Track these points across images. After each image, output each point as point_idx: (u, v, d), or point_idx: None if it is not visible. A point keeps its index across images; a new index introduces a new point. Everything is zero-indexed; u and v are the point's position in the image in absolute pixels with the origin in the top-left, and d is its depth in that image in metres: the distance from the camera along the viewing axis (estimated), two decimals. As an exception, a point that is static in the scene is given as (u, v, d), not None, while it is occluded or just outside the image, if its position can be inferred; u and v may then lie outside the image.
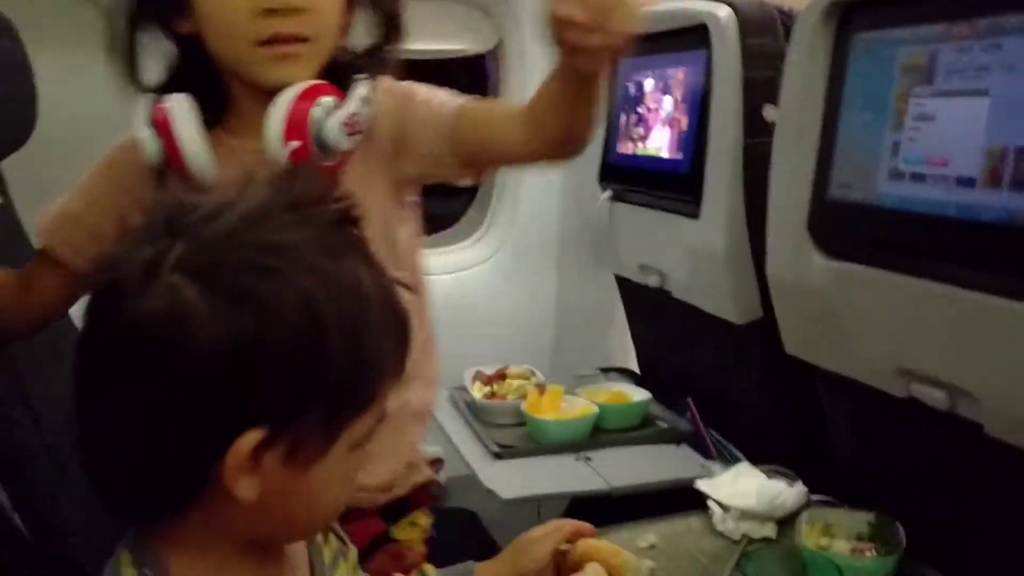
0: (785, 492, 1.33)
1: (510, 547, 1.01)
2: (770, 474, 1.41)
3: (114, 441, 0.66)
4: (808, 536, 1.21)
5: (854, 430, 1.33)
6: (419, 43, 2.15)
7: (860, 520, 1.23)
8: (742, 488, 1.35)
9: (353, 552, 0.90)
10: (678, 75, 1.61)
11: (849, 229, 1.16)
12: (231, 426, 0.63)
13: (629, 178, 1.80)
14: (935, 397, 1.07)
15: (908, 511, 1.21)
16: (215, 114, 1.00)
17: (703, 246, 1.53)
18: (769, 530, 1.30)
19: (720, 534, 1.32)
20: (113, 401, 0.64)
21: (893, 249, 1.09)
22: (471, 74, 2.33)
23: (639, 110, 1.75)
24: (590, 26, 0.83)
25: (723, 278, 1.49)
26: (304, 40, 0.98)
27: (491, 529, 1.83)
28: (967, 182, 0.97)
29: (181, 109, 0.97)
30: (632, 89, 1.78)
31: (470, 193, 2.42)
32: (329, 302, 0.63)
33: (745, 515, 1.31)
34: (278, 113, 0.96)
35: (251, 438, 0.63)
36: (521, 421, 1.73)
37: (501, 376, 1.88)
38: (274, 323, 0.62)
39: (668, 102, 1.65)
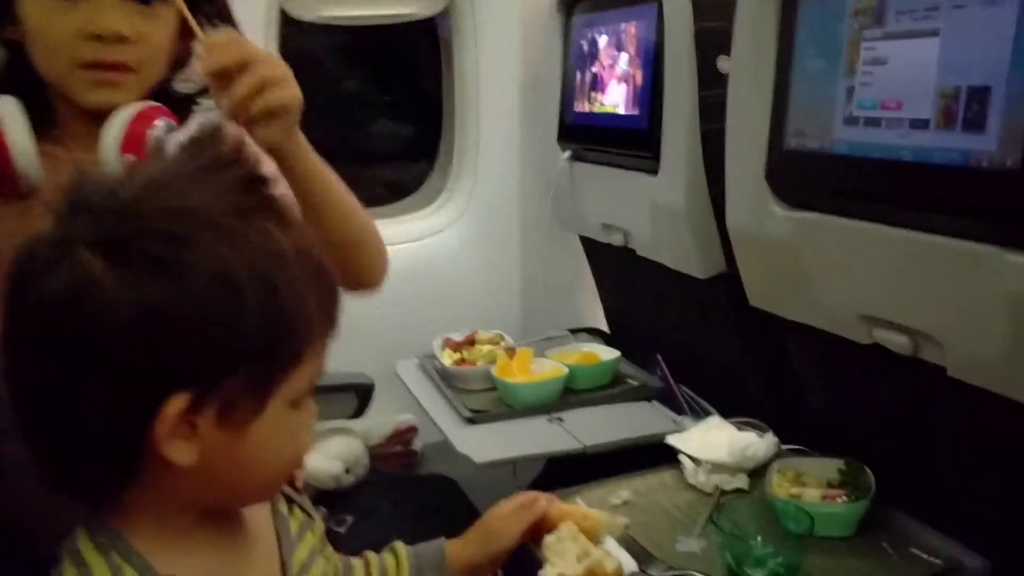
0: (756, 443, 1.34)
1: (480, 526, 1.02)
2: (740, 426, 1.42)
3: (47, 423, 0.67)
4: (779, 485, 1.22)
5: (821, 378, 1.33)
6: (368, 9, 2.12)
7: (830, 467, 1.25)
8: (713, 441, 1.36)
9: (319, 524, 0.90)
10: (630, 30, 1.59)
11: (807, 178, 1.15)
12: (155, 393, 0.63)
13: (587, 137, 1.78)
14: (898, 342, 1.07)
15: (877, 456, 1.23)
16: (40, 124, 0.96)
17: (664, 202, 1.52)
18: (741, 481, 1.31)
19: (693, 487, 1.33)
20: (39, 383, 0.65)
21: (851, 196, 1.09)
22: (423, 38, 2.29)
23: (593, 68, 1.73)
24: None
25: (685, 233, 1.48)
26: (128, 69, 0.97)
27: (469, 493, 1.83)
28: (921, 124, 0.96)
29: (11, 112, 0.93)
30: (585, 46, 1.76)
31: (431, 160, 2.40)
32: (240, 263, 0.63)
33: (717, 468, 1.32)
34: (115, 129, 0.93)
35: (177, 402, 0.63)
36: (492, 386, 1.72)
37: (470, 342, 1.88)
38: (185, 289, 0.62)
39: (622, 58, 1.63)
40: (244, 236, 0.65)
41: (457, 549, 1.00)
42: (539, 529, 1.04)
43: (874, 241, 1.06)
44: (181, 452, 0.65)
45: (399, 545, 1.01)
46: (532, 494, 1.05)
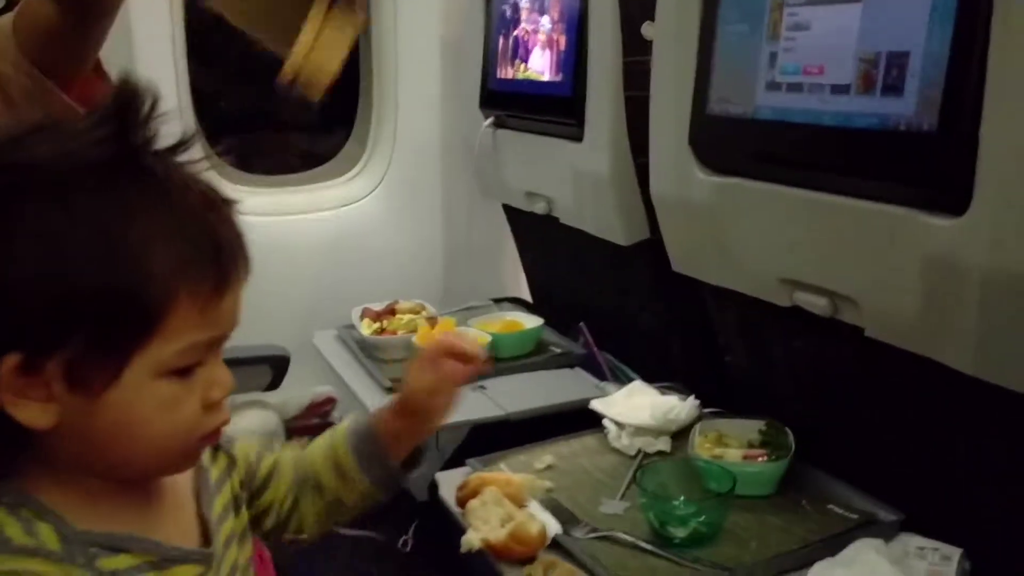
0: (678, 407, 1.35)
1: (395, 398, 0.93)
2: (663, 391, 1.44)
3: None
4: (701, 446, 1.24)
5: (742, 342, 1.36)
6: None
7: (751, 428, 1.27)
8: (636, 405, 1.38)
9: (239, 464, 0.87)
10: (554, -6, 1.58)
11: (729, 143, 1.16)
12: None
13: (511, 103, 1.77)
14: (818, 304, 1.10)
15: (796, 418, 1.26)
16: None
17: (588, 169, 1.52)
18: (663, 444, 1.33)
19: (616, 451, 1.34)
20: None
21: (772, 161, 1.10)
22: None
23: (516, 33, 1.71)
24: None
25: (609, 200, 1.48)
26: None
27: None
28: (842, 89, 0.97)
29: None
30: (508, 11, 1.74)
31: (347, 129, 2.35)
32: (67, 221, 0.61)
33: (639, 431, 1.33)
34: None
35: (8, 362, 0.61)
36: (413, 355, 1.70)
37: (391, 312, 1.85)
38: (6, 248, 0.61)
39: (545, 22, 1.61)
40: (82, 191, 0.62)
41: (382, 419, 0.92)
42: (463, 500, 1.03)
43: (795, 205, 1.08)
44: (33, 414, 0.63)
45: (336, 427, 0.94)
46: (437, 340, 0.95)
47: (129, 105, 0.64)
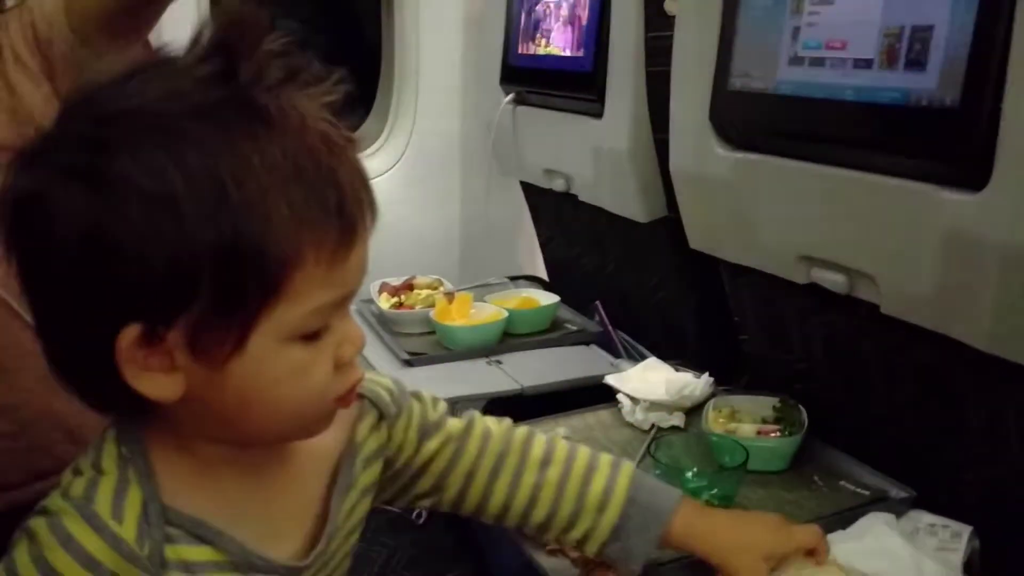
0: (693, 383, 1.36)
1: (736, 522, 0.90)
2: (678, 368, 1.45)
3: (44, 332, 0.64)
4: (715, 421, 1.25)
5: (758, 321, 1.36)
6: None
7: (764, 405, 1.28)
8: (650, 381, 1.38)
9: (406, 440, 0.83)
10: (577, -30, 1.58)
11: (750, 118, 1.16)
12: (107, 322, 0.59)
13: (531, 79, 1.77)
14: (835, 281, 1.10)
15: (810, 396, 1.26)
16: None
17: (608, 146, 1.52)
18: (677, 419, 1.33)
19: (629, 425, 1.35)
20: (29, 292, 0.63)
21: (793, 136, 1.10)
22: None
23: (538, 8, 1.71)
24: None
25: (628, 177, 1.49)
26: None
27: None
28: (864, 64, 0.97)
29: None
30: (531, -13, 1.74)
31: (367, 105, 2.35)
32: (181, 175, 0.56)
33: (654, 406, 1.34)
34: None
35: (128, 334, 0.59)
36: (430, 330, 1.72)
37: (408, 287, 1.87)
38: (113, 207, 0.56)
39: (568, -2, 1.61)
40: (193, 139, 0.56)
41: (686, 522, 0.85)
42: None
43: (815, 181, 1.08)
44: (157, 386, 0.61)
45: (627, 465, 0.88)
46: (813, 531, 0.90)
47: (233, 37, 0.59)
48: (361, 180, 0.63)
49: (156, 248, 0.56)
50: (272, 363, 0.62)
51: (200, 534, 0.66)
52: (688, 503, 0.87)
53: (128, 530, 0.63)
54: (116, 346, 0.59)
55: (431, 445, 0.85)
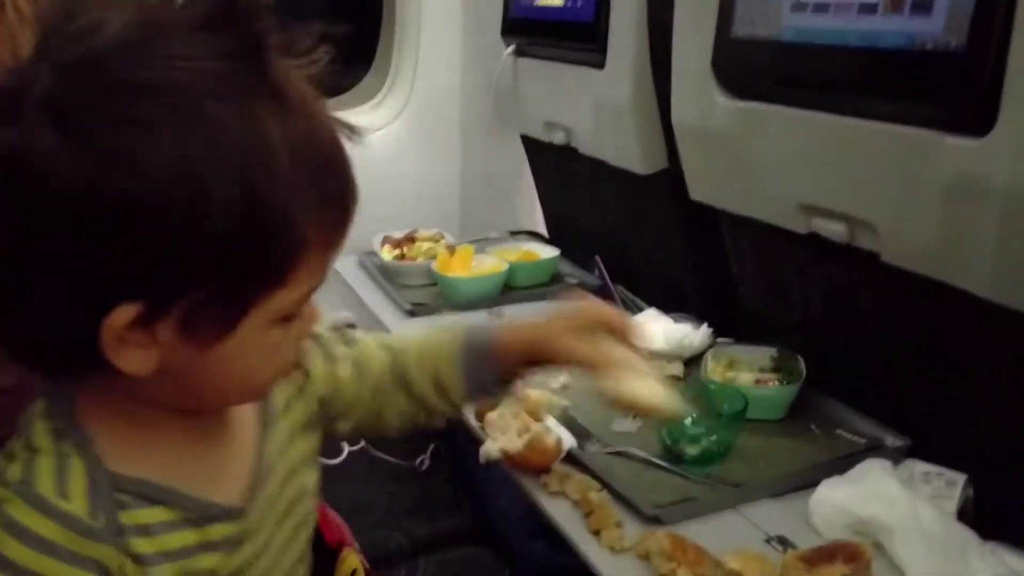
0: (691, 333, 1.37)
1: (538, 329, 0.85)
2: (677, 320, 1.45)
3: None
4: (714, 371, 1.26)
5: (757, 272, 1.37)
6: None
7: (763, 355, 1.29)
8: (649, 331, 1.39)
9: (318, 367, 0.81)
10: (580, -82, 1.56)
11: (753, 67, 1.16)
12: (100, 298, 0.55)
13: (532, 31, 1.75)
14: (835, 230, 1.10)
15: (808, 346, 1.27)
16: None
17: (609, 97, 1.52)
18: (676, 369, 1.34)
19: (630, 375, 1.35)
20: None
21: (796, 84, 1.10)
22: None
23: (541, -43, 1.70)
24: None
25: (629, 128, 1.48)
26: None
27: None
28: (869, 8, 0.97)
29: None
30: (533, -64, 1.72)
31: (367, 61, 2.33)
32: (211, 158, 0.54)
33: (653, 356, 1.34)
34: None
35: (124, 313, 0.56)
36: (432, 282, 1.72)
37: (410, 239, 1.87)
38: (138, 185, 0.53)
39: (571, -53, 1.60)
40: (222, 125, 0.54)
41: (502, 335, 0.85)
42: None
43: (817, 130, 1.08)
44: (134, 361, 0.58)
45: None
46: (606, 310, 0.87)
47: (236, 8, 0.56)
48: (351, 168, 0.62)
49: (174, 233, 0.54)
50: (254, 344, 0.61)
51: (151, 495, 0.64)
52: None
53: (78, 505, 0.61)
54: (106, 322, 0.56)
55: (342, 372, 0.83)
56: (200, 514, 0.66)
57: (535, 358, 0.84)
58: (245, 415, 0.73)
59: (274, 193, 0.55)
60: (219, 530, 0.68)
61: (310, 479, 0.79)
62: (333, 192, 0.60)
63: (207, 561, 0.67)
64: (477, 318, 1.61)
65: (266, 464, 0.73)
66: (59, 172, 0.52)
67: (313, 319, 0.67)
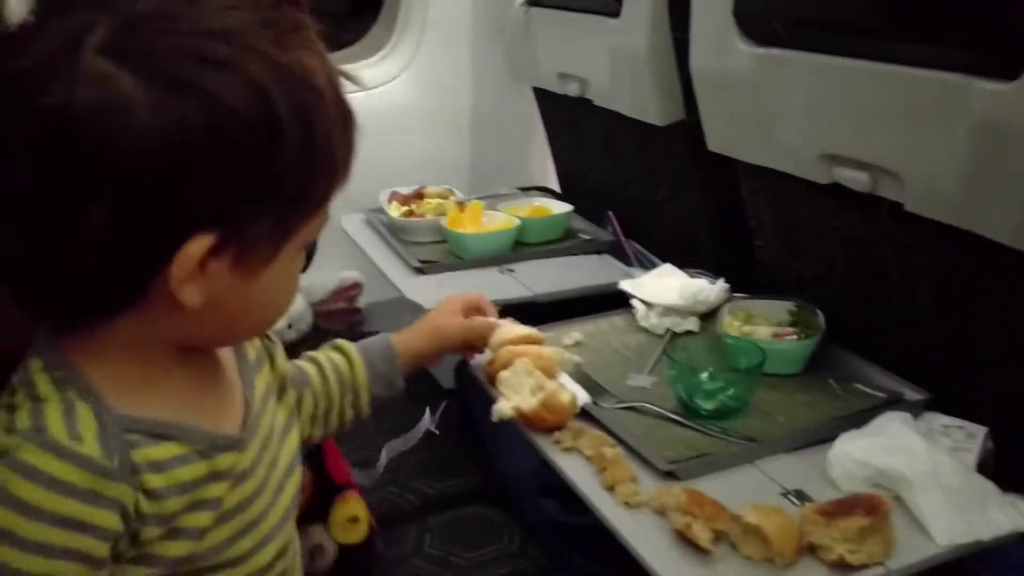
0: (707, 288, 1.35)
1: (428, 322, 1.11)
2: (692, 275, 1.43)
3: (36, 246, 0.60)
4: (730, 325, 1.24)
5: (775, 225, 1.34)
6: None
7: (780, 309, 1.27)
8: (665, 286, 1.37)
9: (278, 350, 0.88)
10: None
11: (776, 10, 1.12)
12: (178, 231, 0.59)
13: (545, -21, 1.71)
14: (858, 179, 1.07)
15: (826, 300, 1.25)
16: None
17: (625, 46, 1.48)
18: (692, 324, 1.33)
19: (643, 330, 1.34)
20: (27, 200, 0.58)
21: (820, 27, 1.07)
22: None
23: (554, -98, 1.65)
24: None
25: (646, 78, 1.45)
26: None
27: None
28: (898, -52, 0.94)
29: None
30: None
31: (374, 12, 2.29)
32: (280, 93, 0.59)
33: (668, 311, 1.33)
34: None
35: (201, 244, 0.60)
36: (441, 238, 1.70)
37: (419, 196, 1.84)
38: (225, 116, 0.57)
39: None
40: (283, 64, 0.60)
41: (405, 341, 1.05)
42: (494, 370, 1.11)
43: (840, 75, 1.05)
44: (191, 294, 0.62)
45: (342, 342, 1.01)
46: (475, 295, 1.17)
47: None
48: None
49: (254, 162, 0.59)
50: (283, 273, 0.67)
51: (159, 432, 0.67)
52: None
53: (91, 447, 0.62)
54: (181, 254, 0.59)
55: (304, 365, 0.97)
56: (208, 445, 0.69)
57: (436, 351, 1.09)
58: (228, 362, 0.78)
59: (325, 127, 0.62)
60: (225, 460, 0.71)
61: (292, 442, 0.83)
62: (352, 130, 0.66)
63: (215, 490, 0.70)
64: (488, 275, 1.60)
65: (254, 408, 0.77)
66: (146, 110, 0.56)
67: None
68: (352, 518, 1.26)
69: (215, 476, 0.70)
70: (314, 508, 1.22)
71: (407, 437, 1.48)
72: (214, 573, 0.71)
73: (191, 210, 0.59)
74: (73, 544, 0.61)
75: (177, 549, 0.68)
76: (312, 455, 1.08)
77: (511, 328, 1.15)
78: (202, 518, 0.69)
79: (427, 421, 1.47)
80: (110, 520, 0.63)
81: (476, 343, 1.15)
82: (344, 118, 0.65)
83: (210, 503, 0.69)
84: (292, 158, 0.61)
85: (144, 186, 0.57)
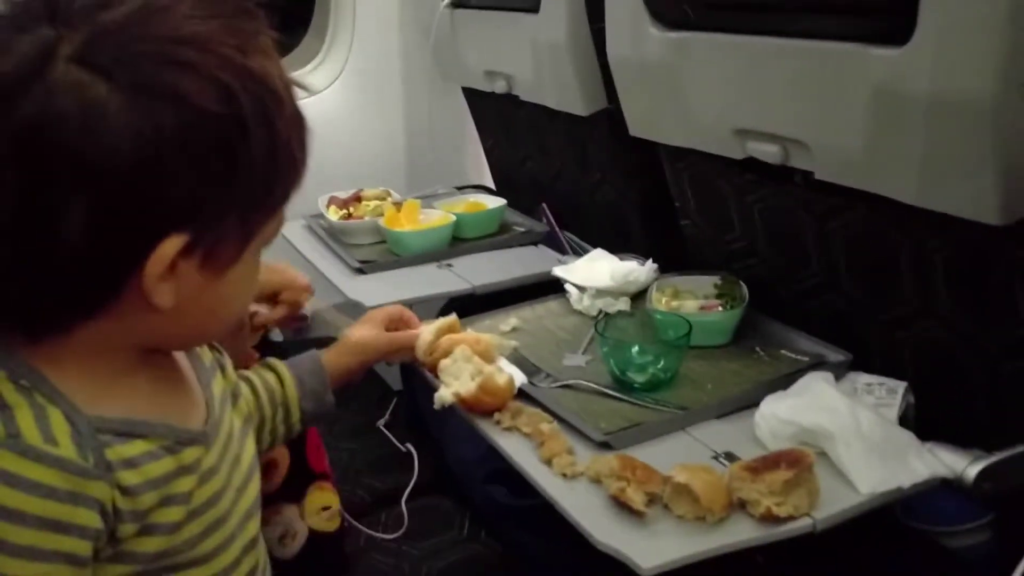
0: (637, 269, 1.39)
1: (351, 337, 1.14)
2: (623, 259, 1.47)
3: (16, 253, 0.62)
4: (659, 301, 1.27)
5: (698, 204, 1.38)
6: None
7: (706, 283, 1.31)
8: (596, 269, 1.41)
9: (227, 361, 0.90)
10: None
11: (684, -4, 1.16)
12: (152, 231, 0.61)
13: (467, -20, 1.74)
14: (770, 152, 1.12)
15: (751, 272, 1.29)
16: None
17: (545, 40, 1.52)
18: (623, 304, 1.36)
19: (578, 313, 1.37)
20: (5, 210, 0.60)
21: (723, 7, 1.11)
22: None
23: (472, -96, 1.69)
24: None
25: (567, 70, 1.48)
26: None
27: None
28: (789, -75, 0.98)
29: None
30: None
31: (304, 24, 2.30)
32: (246, 95, 0.62)
33: (600, 293, 1.36)
34: None
35: (173, 244, 0.62)
36: (380, 239, 1.72)
37: (356, 199, 1.85)
38: (196, 117, 0.60)
39: None
40: (246, 68, 0.62)
41: (332, 358, 1.09)
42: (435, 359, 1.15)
43: (745, 53, 1.09)
44: (163, 295, 0.64)
45: (274, 361, 1.04)
46: (396, 307, 1.23)
47: None
48: None
49: (224, 163, 0.62)
50: (245, 272, 0.70)
51: (129, 430, 0.68)
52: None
53: (66, 449, 0.63)
54: (155, 254, 0.61)
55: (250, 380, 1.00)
56: (174, 439, 0.71)
57: (360, 365, 1.12)
58: (186, 368, 0.79)
59: (285, 128, 0.65)
60: (191, 454, 0.73)
61: (250, 446, 0.85)
62: (305, 135, 0.69)
63: (184, 485, 0.71)
64: (427, 271, 1.62)
65: (215, 409, 0.79)
66: (121, 115, 0.58)
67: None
68: (326, 507, 1.28)
69: (183, 470, 0.71)
70: (289, 491, 1.23)
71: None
72: (185, 570, 0.72)
73: (165, 211, 0.61)
74: (57, 546, 0.62)
75: (151, 545, 0.69)
76: (293, 440, 1.10)
77: (429, 328, 1.20)
78: (173, 513, 0.70)
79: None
80: (91, 519, 0.64)
81: (399, 354, 1.19)
82: (299, 122, 0.68)
83: (180, 497, 0.71)
84: (258, 158, 0.63)
85: (120, 189, 0.59)
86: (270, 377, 1.01)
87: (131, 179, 0.59)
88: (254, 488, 0.83)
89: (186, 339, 0.75)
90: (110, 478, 0.65)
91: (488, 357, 1.20)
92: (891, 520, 1.10)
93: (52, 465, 0.62)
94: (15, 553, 0.61)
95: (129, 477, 0.66)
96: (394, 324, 1.20)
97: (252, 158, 0.63)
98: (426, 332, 1.19)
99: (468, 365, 1.16)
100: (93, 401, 0.66)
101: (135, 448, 0.68)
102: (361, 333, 1.15)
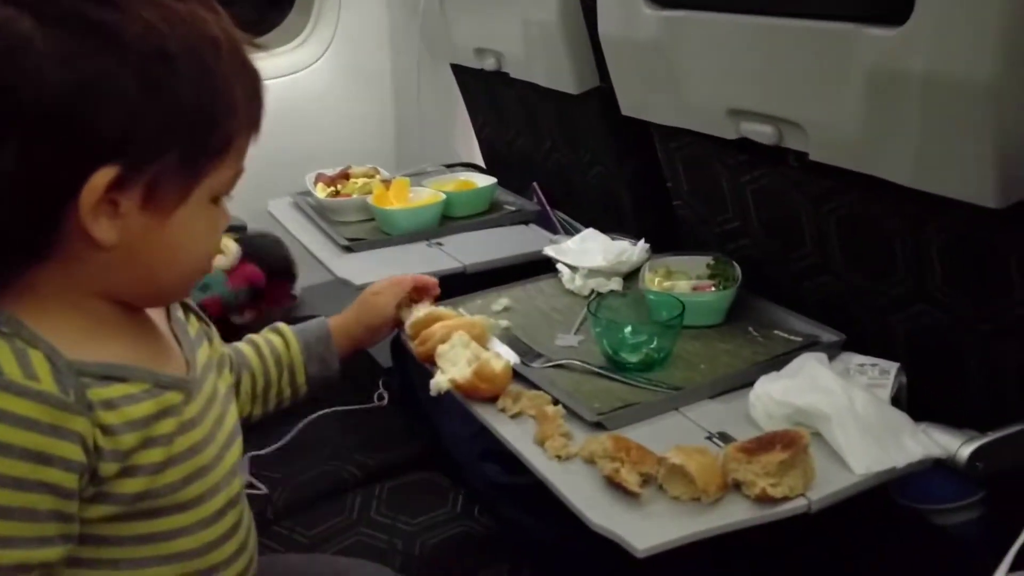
0: (629, 249, 1.38)
1: (359, 303, 1.17)
2: (615, 238, 1.46)
3: None
4: (651, 281, 1.27)
5: (691, 184, 1.38)
6: None
7: (699, 263, 1.31)
8: (588, 249, 1.40)
9: (215, 332, 0.91)
10: None
11: (677, -27, 1.15)
12: (82, 164, 0.63)
13: (456, -45, 1.72)
14: (764, 132, 1.11)
15: (743, 252, 1.29)
16: None
17: (536, 16, 1.50)
18: (615, 284, 1.36)
19: (570, 292, 1.37)
20: None
21: (719, -13, 1.10)
22: None
23: None
24: None
25: (558, 47, 1.47)
26: None
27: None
28: (786, -97, 0.97)
29: None
30: None
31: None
32: (172, 33, 0.64)
33: (592, 273, 1.36)
34: None
35: (105, 174, 0.63)
36: (369, 217, 1.70)
37: (344, 176, 1.83)
38: (119, 52, 0.62)
39: None
40: (175, 11, 0.65)
41: (339, 323, 1.14)
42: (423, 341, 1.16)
43: (740, 32, 1.08)
44: (104, 230, 0.66)
45: (280, 325, 1.08)
46: (402, 276, 1.25)
47: None
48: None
49: (150, 98, 0.64)
50: (196, 219, 0.72)
51: (110, 374, 0.70)
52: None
53: (48, 384, 0.65)
54: (87, 186, 0.63)
55: (243, 346, 1.06)
56: (154, 382, 0.74)
57: (368, 316, 1.18)
58: (167, 330, 0.82)
59: (221, 71, 0.67)
60: (172, 397, 0.75)
61: (234, 412, 0.87)
62: (254, 84, 0.72)
63: (164, 427, 0.74)
64: (416, 249, 1.61)
65: (196, 368, 0.81)
66: (46, 48, 0.60)
67: (226, 216, 0.77)
68: None
69: (163, 413, 0.73)
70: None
71: None
72: (168, 515, 0.75)
73: (93, 142, 0.63)
74: (42, 476, 0.65)
75: (133, 486, 0.71)
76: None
77: (421, 308, 1.23)
78: (154, 455, 0.72)
79: None
80: (74, 452, 0.66)
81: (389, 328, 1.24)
82: (244, 70, 0.71)
83: (161, 439, 0.73)
84: (188, 96, 0.66)
85: (48, 121, 0.61)
86: (276, 340, 1.07)
87: (58, 111, 0.61)
88: (238, 448, 0.85)
89: (144, 287, 0.75)
90: (91, 416, 0.67)
91: (484, 340, 1.19)
92: (884, 499, 1.11)
93: (34, 399, 0.64)
94: (1, 483, 0.64)
95: (109, 417, 0.69)
96: (418, 293, 1.25)
97: (180, 96, 0.65)
98: (419, 309, 1.22)
99: (465, 351, 1.15)
100: (73, 347, 0.68)
101: (116, 391, 0.70)
102: (366, 295, 1.20)
